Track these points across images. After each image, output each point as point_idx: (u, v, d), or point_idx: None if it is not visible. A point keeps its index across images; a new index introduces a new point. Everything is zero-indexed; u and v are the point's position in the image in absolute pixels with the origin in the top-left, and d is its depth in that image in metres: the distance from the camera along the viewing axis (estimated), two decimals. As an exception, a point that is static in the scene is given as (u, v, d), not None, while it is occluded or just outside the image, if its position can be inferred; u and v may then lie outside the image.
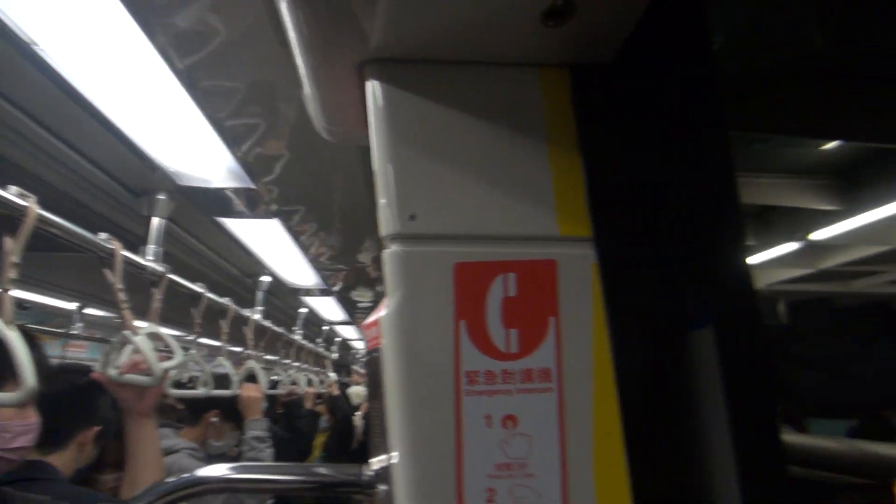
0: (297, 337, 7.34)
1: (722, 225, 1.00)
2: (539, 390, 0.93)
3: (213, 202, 3.40)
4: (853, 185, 5.65)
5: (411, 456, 0.92)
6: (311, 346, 8.26)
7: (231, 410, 4.31)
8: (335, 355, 11.21)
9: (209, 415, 4.20)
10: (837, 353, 16.61)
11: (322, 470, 1.38)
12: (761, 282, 9.60)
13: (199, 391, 3.69)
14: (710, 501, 1.11)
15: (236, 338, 4.72)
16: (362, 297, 7.42)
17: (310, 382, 7.26)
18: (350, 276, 6.21)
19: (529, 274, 0.92)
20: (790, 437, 2.04)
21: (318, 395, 7.90)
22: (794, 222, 6.55)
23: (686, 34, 0.97)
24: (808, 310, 15.38)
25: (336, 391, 9.10)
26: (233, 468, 1.36)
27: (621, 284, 0.94)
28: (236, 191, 3.20)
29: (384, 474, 1.09)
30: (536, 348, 0.93)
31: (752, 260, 7.62)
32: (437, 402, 0.92)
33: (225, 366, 4.25)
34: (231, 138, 2.62)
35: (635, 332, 0.96)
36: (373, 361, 1.05)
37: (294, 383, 6.53)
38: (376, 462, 1.17)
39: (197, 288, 3.70)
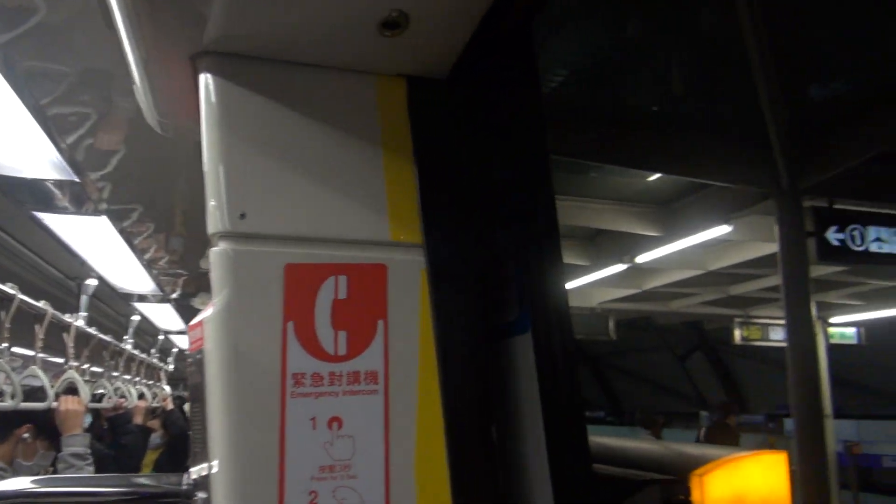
0: (128, 346, 6.81)
1: (541, 238, 1.08)
2: (366, 392, 0.94)
3: (30, 195, 3.09)
4: (672, 214, 6.28)
5: (232, 461, 0.90)
6: (143, 356, 7.70)
7: (46, 426, 3.89)
8: (171, 367, 10.52)
9: (20, 431, 3.77)
10: (657, 367, 18.17)
11: (140, 480, 1.30)
12: (594, 300, 10.35)
13: (5, 404, 3.31)
14: (526, 499, 1.18)
15: (56, 346, 4.30)
16: (205, 304, 7.06)
17: (141, 396, 6.76)
18: (191, 282, 5.88)
19: (360, 277, 0.94)
20: (602, 438, 2.21)
21: (152, 410, 7.37)
22: (623, 245, 7.15)
23: (515, 62, 1.04)
24: (634, 327, 16.72)
25: (171, 405, 8.53)
26: (37, 481, 1.25)
27: (449, 290, 0.99)
28: (59, 184, 2.93)
29: (204, 482, 1.05)
30: (364, 350, 0.95)
31: (583, 278, 8.20)
32: (261, 405, 0.90)
33: (39, 376, 3.84)
34: (55, 127, 2.40)
35: (460, 336, 1.01)
36: (195, 364, 1.01)
37: (123, 396, 6.04)
38: (196, 470, 1.13)
39: (7, 289, 3.32)
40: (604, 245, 7.50)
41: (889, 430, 12.71)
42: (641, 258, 6.94)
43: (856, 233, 5.24)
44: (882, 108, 4.31)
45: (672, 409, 17.15)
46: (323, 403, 0.92)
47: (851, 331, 11.40)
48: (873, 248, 5.28)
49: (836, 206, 5.15)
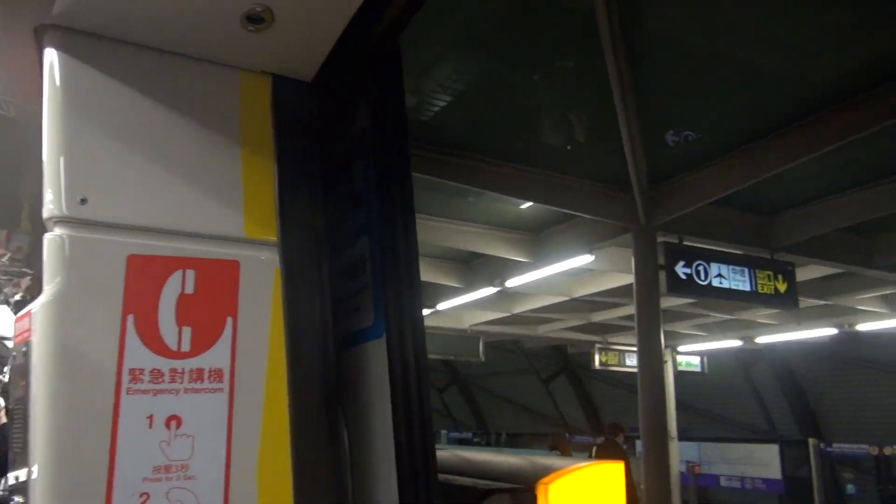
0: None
1: (399, 248, 1.11)
2: (209, 390, 0.92)
3: None
4: (541, 242, 6.58)
5: (53, 463, 0.84)
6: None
7: None
8: (6, 377, 9.52)
9: None
10: (523, 389, 18.71)
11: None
12: (466, 322, 10.57)
13: None
14: (370, 498, 1.18)
15: None
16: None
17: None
18: (37, 284, 5.39)
19: (210, 272, 0.92)
20: (456, 450, 2.26)
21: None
22: (495, 270, 7.38)
23: (382, 73, 1.07)
24: (503, 349, 17.19)
25: (4, 419, 7.71)
26: None
27: (303, 291, 0.99)
28: None
29: (22, 487, 0.97)
30: (210, 348, 0.93)
31: (457, 299, 8.35)
32: (92, 403, 0.85)
33: None
34: None
35: (312, 338, 1.01)
36: (19, 357, 0.94)
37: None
38: (14, 475, 1.04)
39: None
40: (478, 268, 7.70)
41: (726, 453, 13.87)
42: (511, 282, 7.18)
43: (700, 268, 5.73)
44: (725, 157, 4.79)
45: (536, 430, 17.75)
46: (161, 401, 0.89)
47: (696, 359, 12.39)
48: (715, 282, 5.79)
49: (686, 243, 5.63)
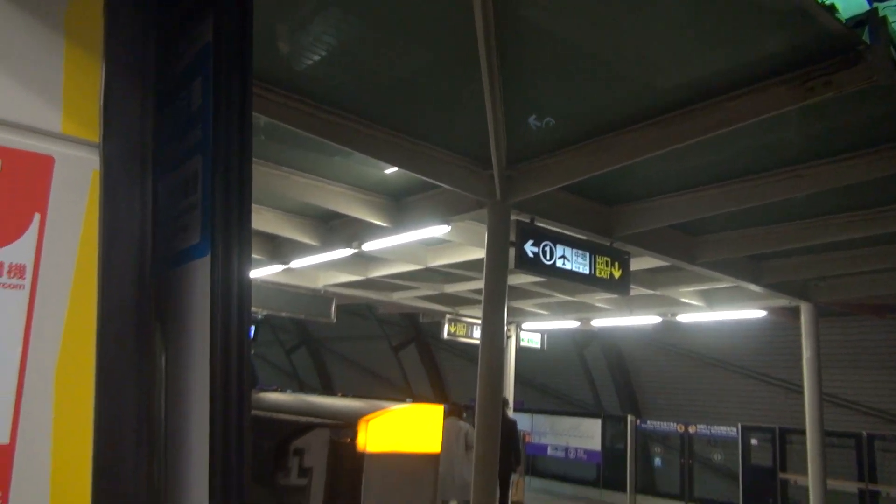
0: None
1: (231, 168, 1.11)
2: (8, 286, 0.88)
3: None
4: (401, 208, 6.67)
5: None
6: None
7: None
8: None
9: None
10: (373, 355, 18.91)
11: None
12: (321, 282, 10.49)
13: None
14: (183, 419, 1.19)
15: None
16: None
17: None
18: None
19: (17, 163, 0.88)
20: (297, 395, 2.30)
21: None
22: (354, 231, 7.38)
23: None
24: (356, 314, 17.23)
25: None
26: None
27: (124, 196, 0.96)
28: None
29: None
30: (13, 242, 0.89)
31: (312, 257, 8.24)
32: None
33: None
34: None
35: (131, 246, 0.99)
36: None
37: None
38: None
39: None
40: (336, 229, 7.65)
41: (556, 425, 14.94)
42: (369, 245, 7.22)
43: (547, 248, 6.09)
44: (579, 146, 5.12)
45: (382, 396, 18.08)
46: (-50, 293, 0.84)
47: (537, 336, 13.17)
48: (559, 263, 6.19)
49: (537, 224, 5.95)
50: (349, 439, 1.65)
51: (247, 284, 1.12)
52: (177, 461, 1.20)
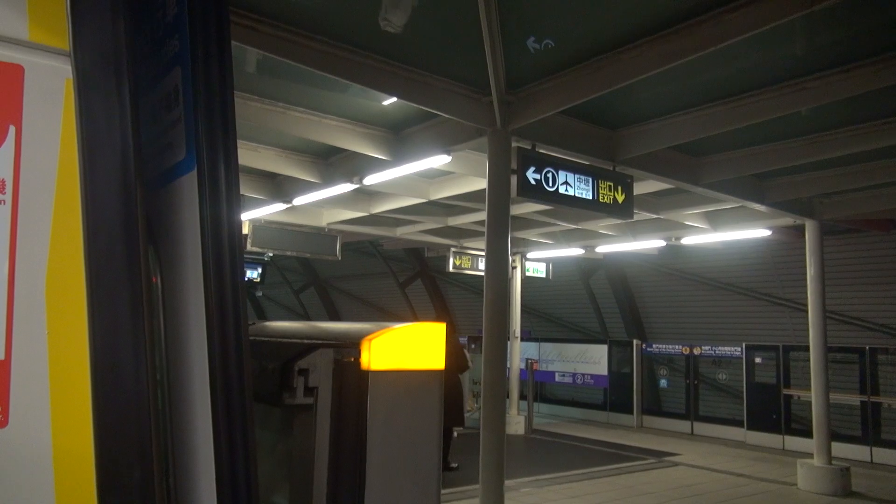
0: None
1: (212, 80, 1.08)
2: (-12, 201, 0.88)
3: None
4: (401, 140, 6.58)
5: None
6: None
7: None
8: None
9: None
10: (380, 292, 19.12)
11: None
12: (324, 220, 10.49)
13: None
14: (178, 330, 1.20)
15: None
16: None
17: None
18: None
19: (-13, 73, 0.85)
20: (285, 322, 2.32)
21: None
22: (355, 166, 7.31)
23: None
24: (361, 252, 17.34)
25: None
26: None
27: (100, 106, 0.94)
28: None
29: None
30: (-11, 156, 0.87)
31: (314, 194, 8.21)
32: None
33: None
34: None
35: (113, 157, 0.97)
36: None
37: None
38: None
39: None
40: (336, 164, 7.58)
41: (562, 352, 15.19)
42: (370, 179, 7.17)
43: (549, 175, 6.03)
44: (579, 67, 4.99)
45: (391, 331, 18.38)
46: (-72, 208, 0.83)
47: (542, 266, 13.24)
48: (562, 189, 6.14)
49: (538, 150, 5.87)
50: (353, 358, 1.67)
51: (236, 195, 1.11)
52: (178, 380, 1.21)
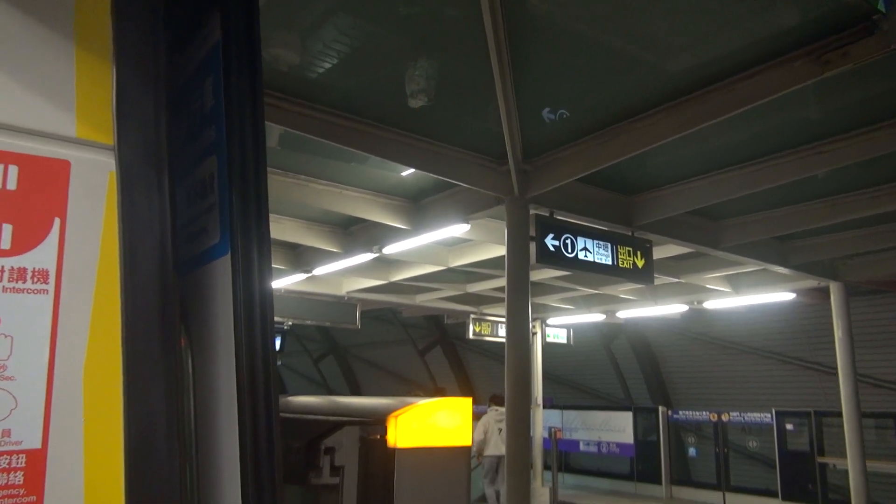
0: None
1: (247, 167, 1.11)
2: (32, 291, 0.89)
3: None
4: (420, 210, 6.68)
5: None
6: None
7: None
8: None
9: None
10: (400, 360, 18.96)
11: None
12: (344, 289, 10.54)
13: None
14: (211, 416, 1.20)
15: None
16: None
17: None
18: None
19: (36, 169, 0.89)
20: (325, 397, 2.31)
21: None
22: (374, 236, 7.40)
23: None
24: (381, 320, 17.29)
25: None
26: None
27: (141, 197, 0.97)
28: None
29: None
30: (36, 247, 0.90)
31: (335, 264, 8.29)
32: None
33: None
34: None
35: (152, 246, 1.00)
36: None
37: None
38: None
39: None
40: (356, 234, 7.68)
41: (586, 420, 14.84)
42: (389, 249, 7.24)
43: (568, 241, 6.05)
44: (595, 136, 5.08)
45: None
46: (-23, 299, 0.85)
47: (563, 332, 13.09)
48: (581, 255, 6.14)
49: (556, 217, 5.92)
50: (379, 436, 1.65)
51: (268, 278, 1.13)
52: (208, 462, 1.21)
